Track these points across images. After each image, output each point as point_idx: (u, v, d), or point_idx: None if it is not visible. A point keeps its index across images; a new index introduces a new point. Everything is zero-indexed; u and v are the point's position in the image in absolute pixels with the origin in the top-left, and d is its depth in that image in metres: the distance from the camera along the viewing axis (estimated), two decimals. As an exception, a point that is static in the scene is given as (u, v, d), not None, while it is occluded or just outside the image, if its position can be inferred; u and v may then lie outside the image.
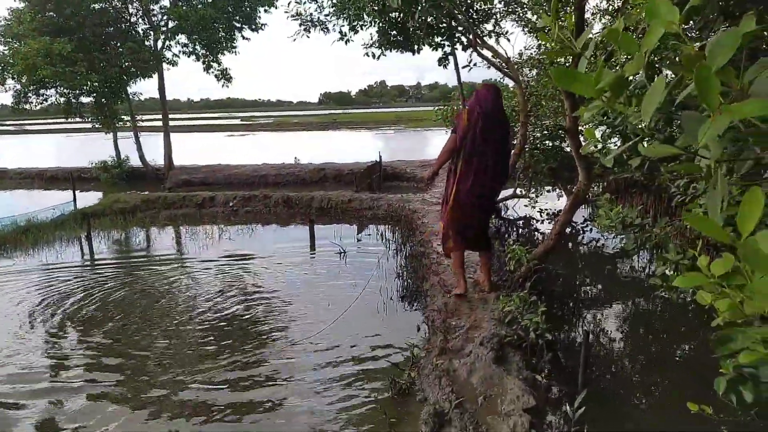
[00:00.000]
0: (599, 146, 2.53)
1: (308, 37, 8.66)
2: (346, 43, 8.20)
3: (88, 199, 12.97)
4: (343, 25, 8.13)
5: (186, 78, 67.10)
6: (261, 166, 14.77)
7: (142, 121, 18.25)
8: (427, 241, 7.04)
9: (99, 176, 16.39)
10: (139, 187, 14.74)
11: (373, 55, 8.18)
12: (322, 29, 8.51)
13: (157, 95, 16.87)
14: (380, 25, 7.66)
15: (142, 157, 16.70)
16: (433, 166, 4.88)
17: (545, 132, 9.67)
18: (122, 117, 17.00)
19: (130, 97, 16.94)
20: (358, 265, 6.79)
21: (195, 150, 24.70)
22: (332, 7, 8.08)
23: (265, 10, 16.37)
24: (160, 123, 16.63)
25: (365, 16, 7.60)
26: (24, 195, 15.11)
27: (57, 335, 5.09)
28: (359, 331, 4.95)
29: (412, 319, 5.16)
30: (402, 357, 4.37)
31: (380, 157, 13.03)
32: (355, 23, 7.88)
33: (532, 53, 9.41)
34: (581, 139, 5.02)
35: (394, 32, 7.73)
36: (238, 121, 65.87)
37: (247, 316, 5.36)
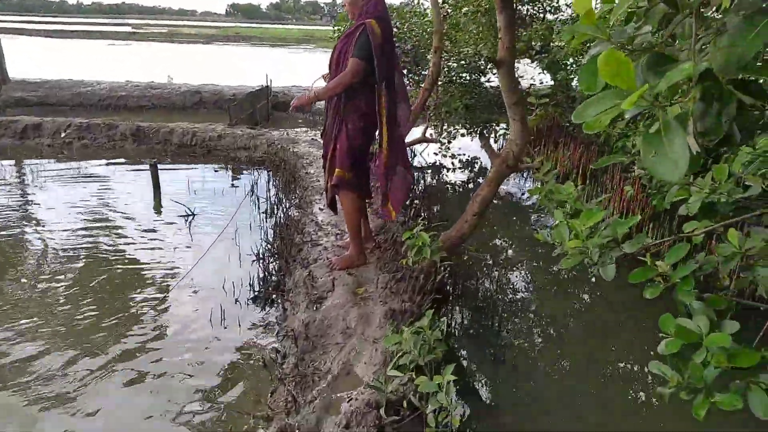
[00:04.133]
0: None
1: None
2: None
3: None
4: None
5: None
6: (122, 85, 11.91)
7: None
8: (307, 204, 5.29)
9: None
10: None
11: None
12: None
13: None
14: None
15: (-33, 64, 13.08)
16: (320, 93, 3.28)
17: (462, 62, 8.00)
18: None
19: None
20: (205, 237, 4.91)
21: (57, 61, 20.60)
22: None
23: None
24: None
25: None
26: None
27: None
28: (172, 359, 3.20)
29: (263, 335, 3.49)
30: (229, 413, 2.70)
31: (269, 81, 10.77)
32: None
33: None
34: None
35: None
36: (128, 29, 58.00)
37: None
